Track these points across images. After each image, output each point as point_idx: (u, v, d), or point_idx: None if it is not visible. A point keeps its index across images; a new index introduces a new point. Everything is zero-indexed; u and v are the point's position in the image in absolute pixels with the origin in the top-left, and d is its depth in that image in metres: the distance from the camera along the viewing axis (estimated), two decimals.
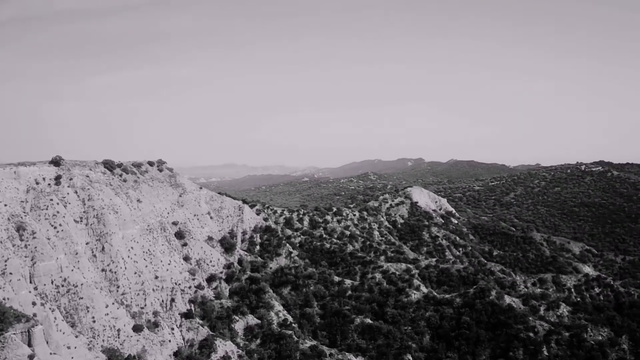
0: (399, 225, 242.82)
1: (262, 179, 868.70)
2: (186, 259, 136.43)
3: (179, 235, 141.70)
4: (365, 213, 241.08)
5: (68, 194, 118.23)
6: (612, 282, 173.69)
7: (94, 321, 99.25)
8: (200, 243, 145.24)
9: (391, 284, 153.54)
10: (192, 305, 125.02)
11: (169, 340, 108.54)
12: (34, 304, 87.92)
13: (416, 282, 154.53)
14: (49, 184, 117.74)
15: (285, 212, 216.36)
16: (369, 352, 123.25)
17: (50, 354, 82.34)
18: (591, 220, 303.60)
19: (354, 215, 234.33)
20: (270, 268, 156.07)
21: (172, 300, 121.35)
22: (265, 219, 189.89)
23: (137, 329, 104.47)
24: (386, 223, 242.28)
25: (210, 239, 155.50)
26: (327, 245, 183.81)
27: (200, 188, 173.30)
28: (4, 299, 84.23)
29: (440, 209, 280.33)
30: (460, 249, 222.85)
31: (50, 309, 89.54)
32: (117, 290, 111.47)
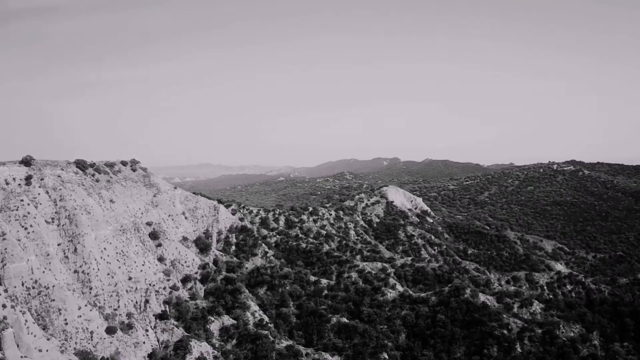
0: (375, 225, 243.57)
1: (238, 179, 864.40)
2: (160, 259, 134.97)
3: (153, 235, 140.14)
4: (341, 212, 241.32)
5: (39, 194, 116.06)
6: (583, 280, 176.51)
7: (66, 323, 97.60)
8: (174, 243, 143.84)
9: (367, 283, 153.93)
10: (167, 306, 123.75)
11: (143, 342, 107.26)
12: (4, 306, 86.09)
13: (392, 281, 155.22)
14: (19, 185, 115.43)
15: (261, 211, 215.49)
16: (345, 351, 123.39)
17: (21, 357, 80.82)
18: (563, 219, 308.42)
19: (330, 214, 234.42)
20: (246, 268, 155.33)
21: (147, 301, 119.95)
22: (241, 219, 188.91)
23: (110, 330, 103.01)
24: (362, 222, 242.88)
25: (185, 239, 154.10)
26: (303, 245, 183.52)
27: (175, 188, 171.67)
28: None
29: (415, 208, 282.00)
30: (436, 247, 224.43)
31: (20, 311, 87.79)
32: (90, 292, 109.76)
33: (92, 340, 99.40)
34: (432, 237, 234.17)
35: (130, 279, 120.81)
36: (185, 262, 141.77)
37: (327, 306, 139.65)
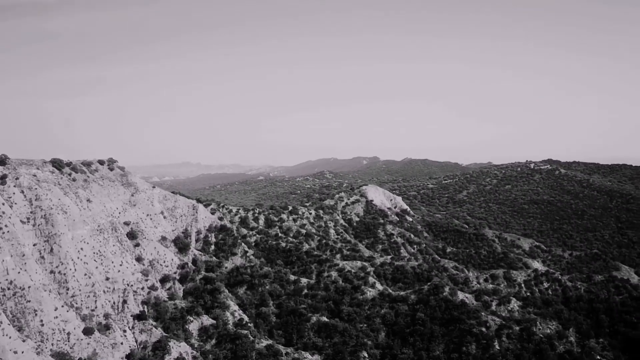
0: (355, 224, 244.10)
1: (217, 178, 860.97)
2: (139, 259, 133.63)
3: (131, 235, 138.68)
4: (321, 211, 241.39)
5: (14, 193, 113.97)
6: (560, 277, 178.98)
7: (43, 325, 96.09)
8: (153, 243, 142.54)
9: (347, 282, 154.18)
10: (145, 306, 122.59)
11: (121, 343, 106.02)
12: None
13: (371, 279, 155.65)
14: None
15: (240, 211, 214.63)
16: (325, 350, 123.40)
17: None
18: (540, 217, 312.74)
19: (310, 213, 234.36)
20: (226, 268, 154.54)
21: (124, 301, 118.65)
22: (220, 218, 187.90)
23: (87, 331, 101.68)
24: (342, 221, 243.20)
25: (163, 239, 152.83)
26: (283, 244, 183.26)
27: (153, 187, 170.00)
28: None
29: (395, 207, 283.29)
30: (415, 246, 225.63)
31: None
32: (67, 293, 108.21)
33: (69, 341, 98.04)
34: (412, 235, 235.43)
35: (107, 279, 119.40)
36: (164, 262, 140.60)
37: (307, 305, 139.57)
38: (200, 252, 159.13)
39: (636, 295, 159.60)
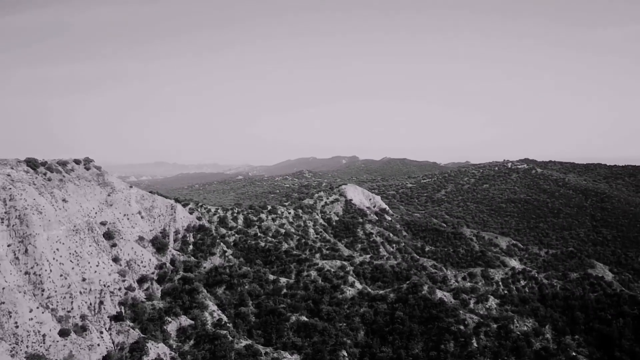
0: (334, 223, 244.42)
1: (196, 177, 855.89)
2: (116, 260, 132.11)
3: (108, 235, 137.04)
4: (300, 211, 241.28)
5: None
6: (536, 275, 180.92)
7: (17, 326, 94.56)
8: (130, 243, 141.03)
9: (326, 281, 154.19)
10: (122, 307, 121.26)
11: (98, 344, 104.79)
12: None
13: (351, 278, 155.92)
14: None
15: (219, 210, 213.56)
16: (305, 349, 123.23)
17: None
18: (517, 216, 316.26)
19: (289, 213, 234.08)
20: (204, 268, 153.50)
21: (101, 302, 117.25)
22: (199, 218, 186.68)
23: (63, 333, 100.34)
24: (321, 221, 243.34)
25: (141, 239, 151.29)
26: (262, 244, 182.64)
27: (131, 187, 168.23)
28: None
29: (374, 206, 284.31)
30: (394, 245, 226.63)
31: None
32: (42, 294, 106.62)
33: (44, 343, 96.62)
34: (391, 234, 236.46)
35: (84, 280, 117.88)
36: (142, 262, 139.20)
37: (287, 305, 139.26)
38: (178, 252, 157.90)
39: (610, 293, 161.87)
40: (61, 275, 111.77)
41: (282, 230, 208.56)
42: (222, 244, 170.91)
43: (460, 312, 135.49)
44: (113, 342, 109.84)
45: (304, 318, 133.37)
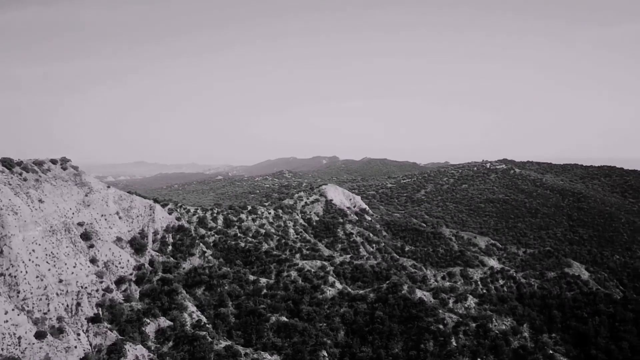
0: (314, 223, 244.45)
1: (175, 178, 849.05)
2: (93, 261, 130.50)
3: (85, 236, 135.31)
4: (280, 211, 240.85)
5: None
6: (514, 274, 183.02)
7: None
8: (108, 244, 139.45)
9: (306, 281, 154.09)
10: (100, 309, 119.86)
11: (75, 347, 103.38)
12: None
13: (331, 278, 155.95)
14: None
15: (198, 211, 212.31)
16: (285, 350, 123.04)
17: None
18: (496, 216, 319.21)
19: (269, 213, 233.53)
20: (183, 268, 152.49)
21: (78, 304, 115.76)
22: (178, 219, 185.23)
23: (39, 335, 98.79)
24: (301, 221, 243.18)
25: (119, 239, 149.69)
26: (242, 244, 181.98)
27: (108, 187, 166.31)
28: None
29: (354, 206, 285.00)
30: (374, 245, 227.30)
31: None
32: (18, 296, 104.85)
33: (19, 345, 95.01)
34: (371, 234, 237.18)
35: (60, 281, 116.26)
36: (120, 263, 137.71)
37: (267, 305, 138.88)
38: (157, 253, 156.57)
39: (587, 291, 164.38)
40: (37, 277, 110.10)
41: (262, 231, 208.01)
42: (201, 244, 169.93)
43: (440, 311, 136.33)
44: (90, 344, 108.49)
45: (284, 318, 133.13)
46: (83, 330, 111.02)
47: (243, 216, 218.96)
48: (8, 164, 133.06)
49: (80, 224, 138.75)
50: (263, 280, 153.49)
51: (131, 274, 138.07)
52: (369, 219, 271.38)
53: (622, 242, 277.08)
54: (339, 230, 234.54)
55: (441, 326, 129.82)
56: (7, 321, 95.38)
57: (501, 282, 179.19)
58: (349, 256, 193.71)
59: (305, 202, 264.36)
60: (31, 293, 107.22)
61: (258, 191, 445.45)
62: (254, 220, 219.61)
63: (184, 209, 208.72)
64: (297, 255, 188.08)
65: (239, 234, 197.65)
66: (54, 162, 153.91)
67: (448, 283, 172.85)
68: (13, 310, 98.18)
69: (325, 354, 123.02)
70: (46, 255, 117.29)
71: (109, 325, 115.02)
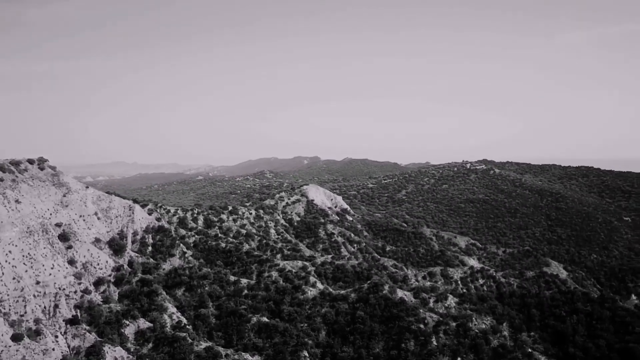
0: (296, 223, 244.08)
1: (155, 178, 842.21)
2: (71, 262, 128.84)
3: (63, 237, 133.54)
4: (261, 211, 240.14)
5: None
6: (494, 274, 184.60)
7: None
8: (86, 245, 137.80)
9: (287, 281, 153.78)
10: (78, 310, 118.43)
11: (53, 349, 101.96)
12: None
13: (312, 279, 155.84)
14: None
15: (179, 211, 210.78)
16: (266, 350, 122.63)
17: None
18: (476, 216, 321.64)
19: (250, 213, 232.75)
20: (163, 269, 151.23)
21: (56, 306, 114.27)
22: (158, 219, 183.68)
23: (16, 338, 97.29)
24: (282, 221, 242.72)
25: (97, 240, 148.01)
26: (223, 245, 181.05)
27: (87, 187, 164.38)
28: None
29: (335, 207, 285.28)
30: (355, 245, 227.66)
31: None
32: None
33: None
34: (352, 235, 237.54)
35: (38, 283, 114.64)
36: (98, 264, 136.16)
37: (247, 306, 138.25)
38: (136, 254, 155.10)
39: (565, 290, 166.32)
40: (14, 279, 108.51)
41: (243, 231, 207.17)
42: (181, 245, 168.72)
43: (421, 311, 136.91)
44: (69, 346, 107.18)
45: (265, 319, 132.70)
46: (61, 332, 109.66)
47: (224, 217, 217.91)
48: None
49: (58, 225, 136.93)
50: (244, 281, 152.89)
51: (110, 275, 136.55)
52: (350, 219, 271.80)
53: (599, 242, 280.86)
54: (320, 230, 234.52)
55: (422, 326, 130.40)
56: None
57: (481, 281, 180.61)
58: (330, 256, 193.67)
59: (287, 203, 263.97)
60: (7, 295, 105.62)
61: (239, 191, 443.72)
62: (234, 220, 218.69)
63: (164, 209, 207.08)
64: (279, 256, 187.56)
65: (219, 235, 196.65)
66: (31, 162, 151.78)
67: (429, 283, 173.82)
68: None
69: (307, 354, 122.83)
70: (23, 256, 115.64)
71: (87, 327, 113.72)
